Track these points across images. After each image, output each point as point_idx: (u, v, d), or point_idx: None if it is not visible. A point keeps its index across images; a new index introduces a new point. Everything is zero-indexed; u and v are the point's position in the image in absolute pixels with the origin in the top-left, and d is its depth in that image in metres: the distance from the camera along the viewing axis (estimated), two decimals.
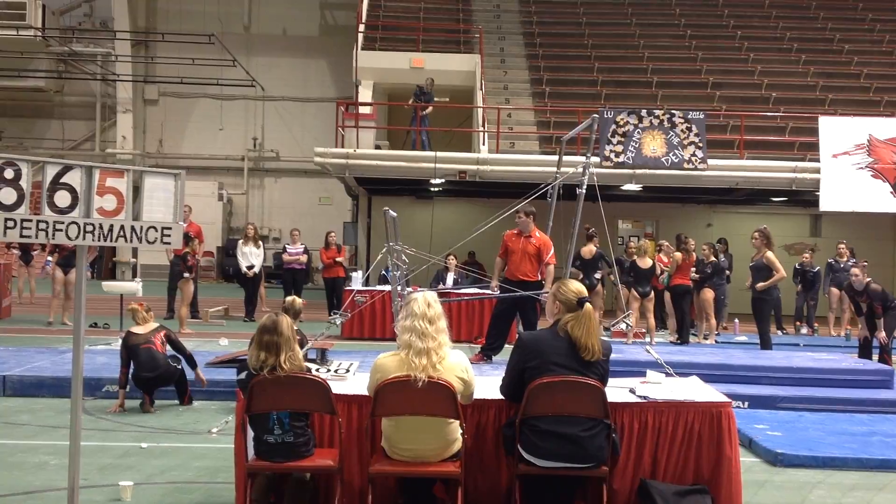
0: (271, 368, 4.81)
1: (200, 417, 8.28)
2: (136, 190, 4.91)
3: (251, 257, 16.62)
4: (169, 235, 5.02)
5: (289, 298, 8.63)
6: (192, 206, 16.36)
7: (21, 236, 4.46)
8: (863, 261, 13.66)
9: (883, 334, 11.43)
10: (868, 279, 11.75)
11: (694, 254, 14.60)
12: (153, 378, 8.39)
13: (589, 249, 14.17)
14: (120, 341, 8.68)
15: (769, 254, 12.78)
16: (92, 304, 10.20)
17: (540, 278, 11.14)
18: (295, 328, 8.23)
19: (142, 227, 4.89)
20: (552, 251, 11.21)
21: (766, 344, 12.72)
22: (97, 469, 6.36)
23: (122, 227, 4.81)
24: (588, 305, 4.88)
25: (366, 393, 4.92)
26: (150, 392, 8.49)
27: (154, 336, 8.45)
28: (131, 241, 4.87)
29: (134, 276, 21.48)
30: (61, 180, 4.62)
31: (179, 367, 8.60)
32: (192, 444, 7.28)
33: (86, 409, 7.90)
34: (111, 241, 4.80)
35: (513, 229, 11.37)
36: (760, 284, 12.60)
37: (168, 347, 8.52)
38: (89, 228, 4.68)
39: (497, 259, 11.62)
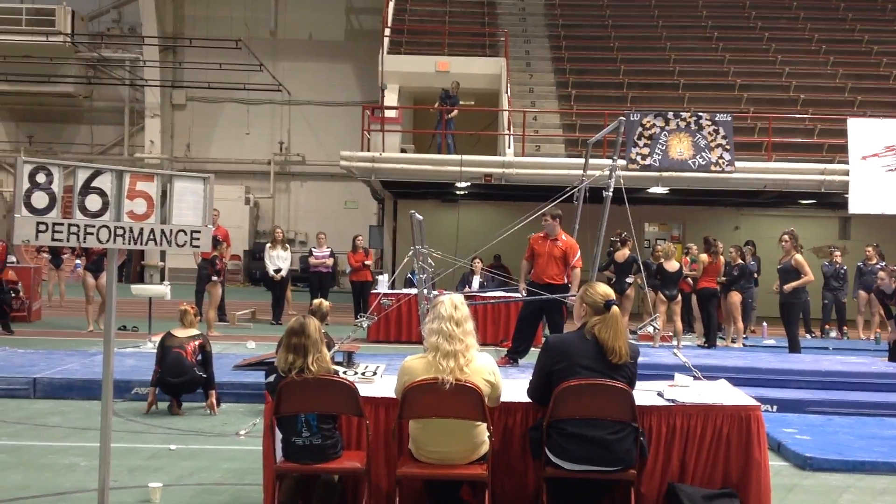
0: (299, 370, 4.83)
1: (228, 420, 8.33)
2: (165, 194, 4.96)
3: (278, 261, 16.70)
4: (198, 239, 5.06)
5: (316, 301, 8.69)
6: (219, 209, 16.45)
7: (53, 240, 4.51)
8: (892, 265, 13.50)
9: None
10: None
11: (722, 257, 14.51)
12: (177, 384, 8.45)
13: (622, 254, 14.13)
14: (152, 344, 8.73)
15: (798, 256, 12.70)
16: (120, 308, 10.26)
17: (566, 281, 11.12)
18: (322, 331, 8.34)
19: (171, 231, 4.94)
20: (578, 254, 11.20)
21: (794, 347, 12.64)
22: (127, 470, 6.42)
23: (151, 231, 4.86)
24: (615, 308, 4.87)
25: (393, 395, 4.94)
26: (176, 395, 8.55)
27: (188, 343, 8.49)
28: (161, 244, 4.92)
29: (162, 279, 21.68)
30: (92, 184, 4.67)
31: (204, 375, 8.62)
32: (221, 445, 7.33)
33: (115, 412, 7.97)
34: (141, 244, 4.85)
35: (539, 232, 11.36)
36: (788, 286, 12.53)
37: (199, 357, 8.54)
38: (120, 232, 4.73)
39: (523, 262, 11.63)
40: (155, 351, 8.98)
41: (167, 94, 30.71)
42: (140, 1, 29.37)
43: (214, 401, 8.61)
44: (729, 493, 5.01)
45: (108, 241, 4.69)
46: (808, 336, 16.20)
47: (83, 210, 4.63)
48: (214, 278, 14.87)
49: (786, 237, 12.92)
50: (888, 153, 18.08)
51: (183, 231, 4.98)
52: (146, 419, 8.17)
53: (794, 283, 12.51)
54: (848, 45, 24.51)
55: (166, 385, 8.44)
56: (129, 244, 4.80)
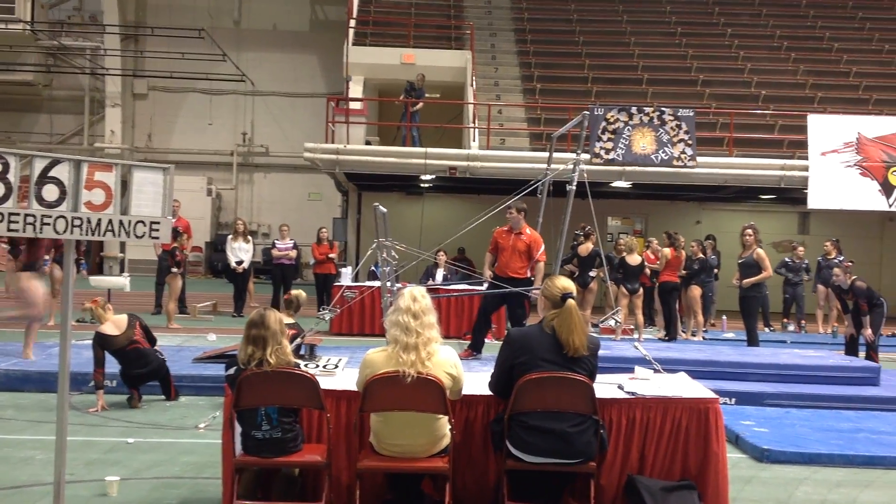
0: (259, 363, 4.80)
1: (188, 413, 8.26)
2: (125, 184, 4.90)
3: (240, 252, 16.58)
4: (157, 230, 5.00)
5: (293, 292, 8.72)
6: (180, 200, 16.30)
7: (8, 230, 4.44)
8: (847, 260, 13.70)
9: (869, 331, 11.48)
10: (854, 277, 11.79)
11: (683, 251, 14.64)
12: (145, 374, 8.39)
13: (586, 247, 14.20)
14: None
15: (760, 250, 12.84)
16: (79, 299, 10.14)
17: (530, 275, 11.15)
18: (293, 321, 8.39)
19: (130, 222, 4.87)
20: (542, 248, 11.24)
21: (753, 340, 12.77)
22: (84, 464, 6.35)
23: (110, 222, 4.79)
24: (570, 301, 4.87)
25: (354, 388, 4.92)
26: (139, 386, 8.46)
27: (135, 334, 8.35)
28: (119, 235, 4.86)
29: (122, 270, 21.43)
30: (49, 174, 4.59)
31: (163, 357, 8.59)
32: (180, 439, 7.26)
33: (72, 404, 7.87)
34: (99, 235, 4.78)
35: (503, 226, 11.37)
36: (747, 281, 12.67)
37: (146, 338, 8.48)
38: (77, 222, 4.66)
39: (487, 254, 11.65)
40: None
41: (128, 83, 30.31)
42: None
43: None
44: (687, 484, 5.05)
45: (65, 231, 4.62)
46: (766, 329, 16.40)
47: (40, 200, 4.56)
48: (174, 270, 14.72)
49: (748, 231, 13.03)
50: (847, 149, 18.35)
51: (142, 222, 4.92)
52: (104, 412, 8.06)
53: (752, 279, 12.64)
54: (809, 42, 24.82)
55: (132, 378, 8.35)
56: (87, 235, 4.73)
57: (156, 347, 8.63)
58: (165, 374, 8.64)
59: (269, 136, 30.60)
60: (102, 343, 8.24)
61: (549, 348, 4.80)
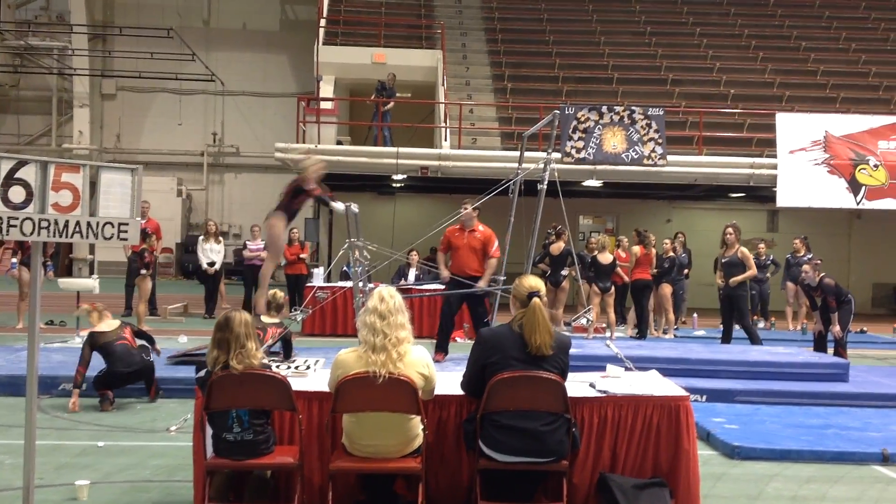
0: (223, 366, 4.77)
1: (158, 415, 8.20)
2: (93, 185, 4.86)
3: (212, 254, 16.48)
4: (126, 231, 4.96)
5: (270, 292, 8.80)
6: (150, 201, 16.15)
7: None
8: (816, 258, 13.84)
9: (837, 328, 11.59)
10: (822, 274, 11.89)
11: (654, 249, 14.72)
12: (131, 373, 8.45)
13: (557, 246, 14.24)
14: (80, 339, 8.65)
15: (744, 249, 12.92)
16: (47, 302, 10.05)
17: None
18: (279, 321, 8.44)
19: (98, 223, 4.83)
20: (496, 244, 11.26)
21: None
22: (53, 468, 6.28)
23: (77, 223, 4.75)
24: (535, 300, 4.88)
25: (326, 389, 4.91)
26: (121, 387, 8.51)
27: (124, 331, 8.52)
28: (87, 237, 4.81)
29: (91, 272, 21.23)
30: (16, 175, 4.54)
31: (150, 358, 8.71)
32: (150, 442, 7.20)
33: (41, 408, 7.80)
34: (67, 237, 4.73)
35: (455, 225, 11.37)
36: (734, 280, 12.71)
37: (137, 340, 8.70)
38: (44, 224, 4.62)
39: (439, 253, 11.67)
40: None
41: (97, 83, 30.01)
42: None
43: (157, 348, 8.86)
44: (659, 482, 5.08)
45: (31, 233, 4.57)
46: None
47: (6, 202, 4.50)
48: (143, 272, 14.60)
49: (730, 230, 13.06)
50: (815, 147, 18.52)
51: (110, 223, 4.88)
52: (73, 415, 7.99)
53: (739, 277, 12.71)
54: (777, 41, 25.05)
55: (118, 377, 8.40)
56: (55, 237, 4.68)
57: (153, 348, 8.97)
58: (149, 375, 8.71)
59: (239, 136, 30.41)
60: (93, 341, 8.38)
61: (520, 347, 4.81)
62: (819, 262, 12.41)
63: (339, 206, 8.79)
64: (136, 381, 8.60)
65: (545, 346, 4.79)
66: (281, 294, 8.86)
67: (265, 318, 8.75)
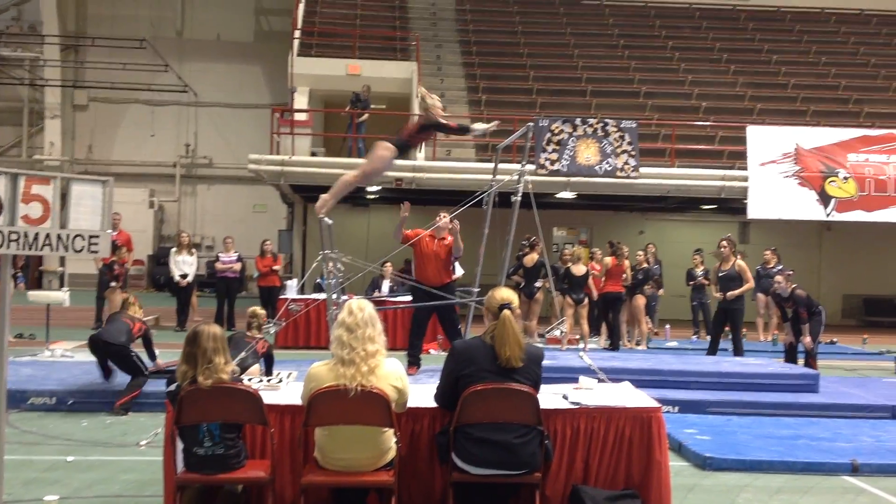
0: (191, 381, 4.74)
1: (129, 430, 8.12)
2: (64, 197, 4.82)
3: (184, 266, 16.36)
4: (96, 244, 4.93)
5: (249, 309, 8.93)
6: (122, 213, 16.05)
7: None
8: (787, 269, 13.96)
9: (808, 339, 11.67)
10: (793, 285, 11.98)
11: (627, 260, 14.79)
12: (105, 343, 8.74)
13: (531, 258, 14.27)
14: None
15: (741, 262, 13.03)
16: (17, 315, 9.92)
17: (452, 278, 11.23)
18: (261, 336, 8.47)
19: (68, 236, 4.80)
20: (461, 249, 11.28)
21: (739, 351, 12.86)
22: (21, 483, 6.20)
23: (48, 236, 4.72)
24: (505, 312, 4.88)
25: (299, 403, 4.88)
26: (96, 355, 8.88)
27: (137, 321, 8.98)
28: (57, 249, 4.78)
29: (61, 285, 21.01)
30: None
31: (133, 355, 8.82)
32: (120, 457, 7.14)
33: (9, 422, 7.69)
34: (37, 249, 4.70)
35: (429, 230, 11.36)
36: (731, 293, 12.81)
37: (140, 339, 9.08)
38: (14, 237, 4.58)
39: (401, 228, 11.31)
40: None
41: (68, 94, 29.78)
42: None
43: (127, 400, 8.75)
44: (631, 493, 5.11)
45: (1, 246, 4.53)
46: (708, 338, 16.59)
47: None
48: (113, 284, 14.48)
49: (724, 244, 13.17)
50: (785, 160, 18.71)
51: (80, 236, 4.85)
52: (42, 430, 7.91)
53: (737, 291, 12.82)
54: (748, 55, 25.32)
55: (94, 343, 8.76)
56: (24, 249, 4.64)
57: (150, 357, 9.28)
58: (123, 360, 8.83)
59: (212, 147, 30.27)
60: (113, 314, 9.48)
61: (492, 360, 4.82)
62: (791, 272, 12.52)
63: (479, 127, 8.81)
64: (110, 358, 8.86)
65: (515, 358, 4.80)
66: (262, 312, 8.81)
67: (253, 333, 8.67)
